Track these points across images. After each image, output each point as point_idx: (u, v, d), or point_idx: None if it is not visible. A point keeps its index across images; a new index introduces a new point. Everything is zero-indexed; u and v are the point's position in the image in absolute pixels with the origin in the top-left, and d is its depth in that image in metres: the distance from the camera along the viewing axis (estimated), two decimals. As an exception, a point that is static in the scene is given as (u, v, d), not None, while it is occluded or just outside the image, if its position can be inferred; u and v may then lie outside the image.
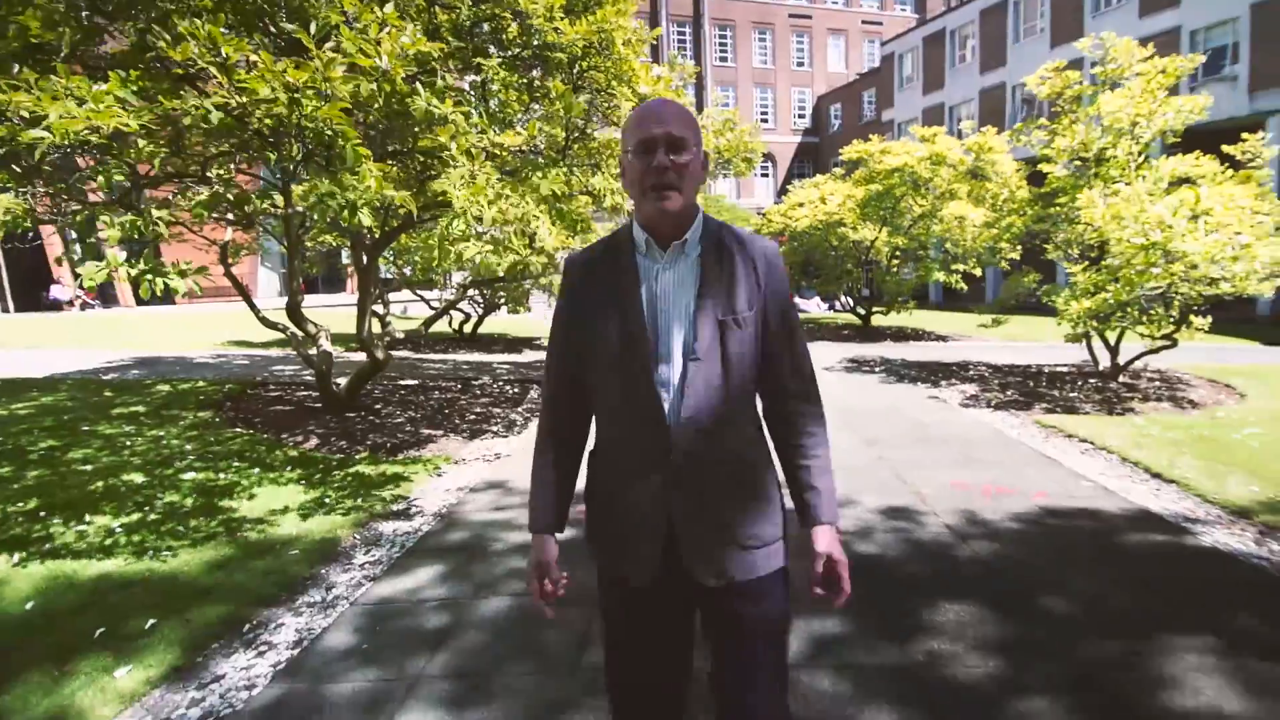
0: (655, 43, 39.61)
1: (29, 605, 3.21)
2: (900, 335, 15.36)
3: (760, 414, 1.48)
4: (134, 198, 3.94)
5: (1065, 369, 9.22)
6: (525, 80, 4.51)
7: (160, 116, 3.30)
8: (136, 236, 3.76)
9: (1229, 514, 3.99)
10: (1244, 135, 7.13)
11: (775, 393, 1.44)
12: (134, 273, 3.67)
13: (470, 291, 12.92)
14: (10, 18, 3.33)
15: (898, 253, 14.17)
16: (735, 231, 1.44)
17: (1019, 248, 10.97)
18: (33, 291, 24.64)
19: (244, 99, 3.13)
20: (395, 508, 4.52)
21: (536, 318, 22.61)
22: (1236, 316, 20.50)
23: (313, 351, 6.96)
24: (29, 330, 16.63)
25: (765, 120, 43.40)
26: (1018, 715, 2.24)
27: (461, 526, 4.19)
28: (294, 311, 6.80)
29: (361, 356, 7.96)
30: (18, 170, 3.71)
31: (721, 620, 1.40)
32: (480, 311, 14.94)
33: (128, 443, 6.05)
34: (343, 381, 7.42)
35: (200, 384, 8.98)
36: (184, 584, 3.40)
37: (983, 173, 11.97)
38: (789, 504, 1.46)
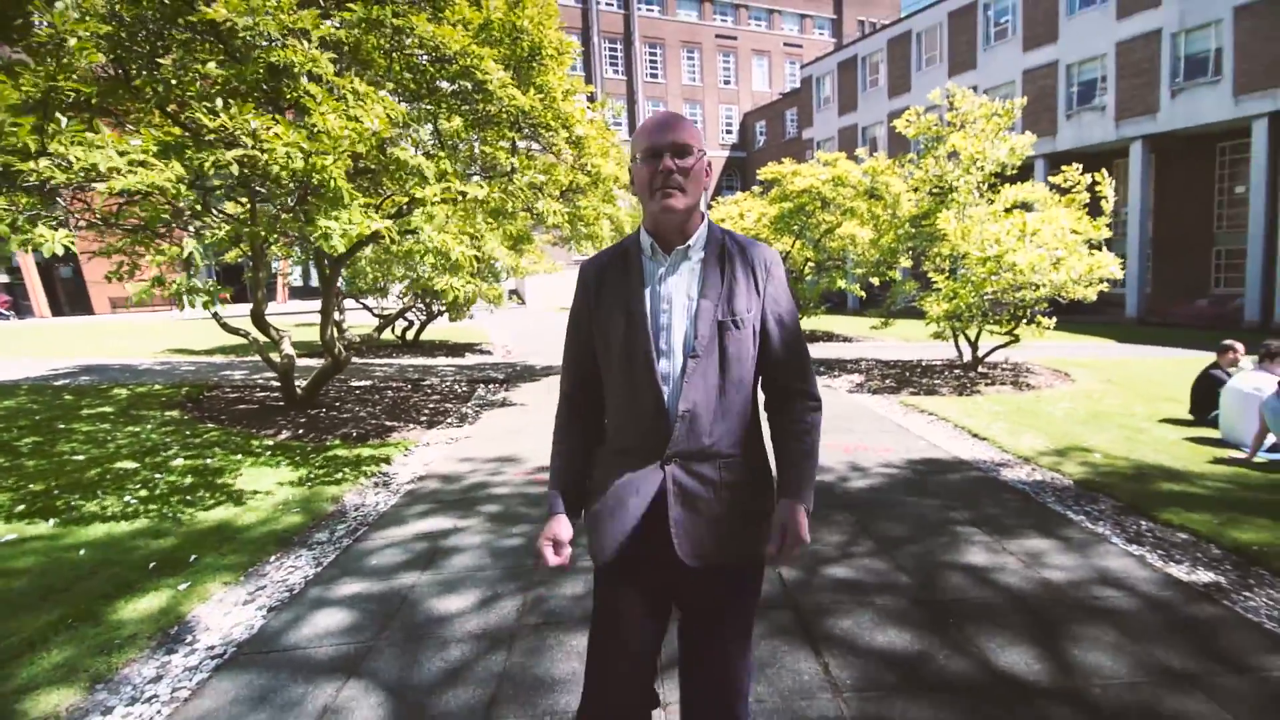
0: (583, 56, 40.37)
1: (81, 552, 3.98)
2: (812, 337, 16.96)
3: (758, 410, 1.56)
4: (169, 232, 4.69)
5: (939, 362, 10.82)
6: (481, 135, 5.51)
7: (190, 168, 4.15)
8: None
9: (1016, 458, 5.41)
10: (1063, 168, 8.73)
11: (777, 388, 1.54)
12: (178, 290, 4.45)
13: (406, 300, 13.68)
14: (60, 80, 4.11)
15: (809, 263, 15.72)
16: (738, 238, 1.53)
17: (910, 259, 12.58)
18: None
19: (265, 155, 4.02)
20: (375, 480, 5.40)
21: (476, 324, 23.28)
22: (1108, 319, 23.27)
23: (275, 356, 7.68)
24: (-52, 341, 16.20)
25: (694, 135, 45.19)
26: (860, 567, 3.46)
27: (437, 482, 5.13)
28: (258, 319, 7.51)
29: (310, 361, 8.68)
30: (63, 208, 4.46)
31: (697, 599, 1.51)
32: (422, 319, 15.62)
33: (109, 437, 6.64)
34: (302, 382, 8.15)
35: (156, 387, 9.46)
36: (209, 533, 4.22)
37: (878, 193, 13.59)
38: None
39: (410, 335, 15.74)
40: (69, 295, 27.37)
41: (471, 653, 2.79)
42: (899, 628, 2.87)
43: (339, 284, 8.25)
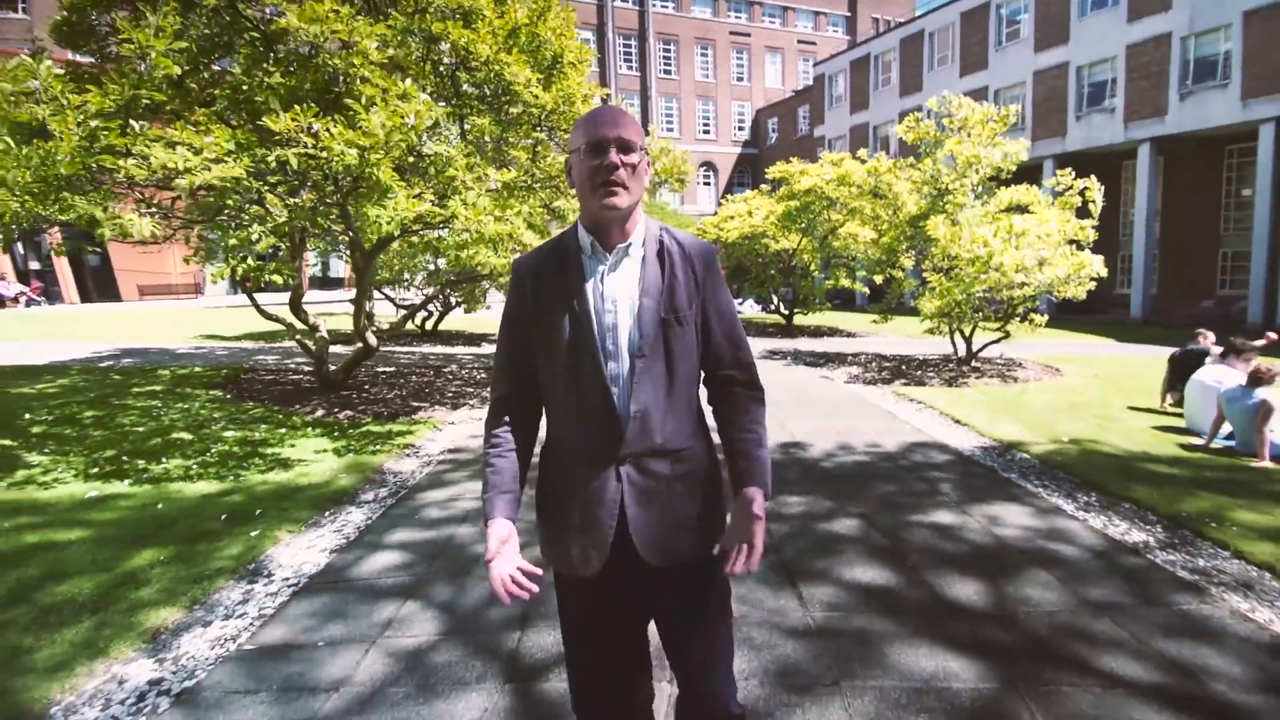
0: (598, 51, 40.74)
1: (160, 506, 4.56)
2: (817, 332, 17.44)
3: (704, 403, 1.56)
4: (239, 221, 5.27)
5: (935, 357, 11.29)
6: (505, 135, 6.07)
7: (255, 161, 4.72)
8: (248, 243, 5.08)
9: (991, 441, 5.91)
10: (1058, 173, 9.13)
11: (720, 380, 1.54)
12: (243, 269, 5.04)
13: (430, 290, 14.28)
14: (142, 90, 4.68)
15: (815, 260, 16.18)
16: (675, 234, 1.51)
17: (911, 258, 13.03)
18: (-27, 288, 24.39)
19: (322, 152, 4.57)
20: (409, 452, 5.97)
21: (492, 315, 23.87)
22: (1114, 319, 23.58)
23: (309, 342, 8.27)
24: (-10, 325, 16.95)
25: (707, 132, 45.58)
26: (840, 524, 4.00)
27: (465, 454, 5.69)
28: (296, 306, 8.10)
29: (337, 348, 9.26)
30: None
31: (670, 599, 1.51)
32: (441, 310, 16.21)
33: (161, 412, 7.25)
34: (331, 366, 8.72)
35: (196, 370, 10.08)
36: (269, 493, 4.79)
37: (881, 192, 14.02)
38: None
39: (430, 325, 16.34)
40: (96, 282, 28.20)
41: (506, 583, 3.34)
42: (866, 568, 3.40)
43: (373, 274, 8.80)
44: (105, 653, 2.79)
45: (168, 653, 2.82)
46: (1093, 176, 8.80)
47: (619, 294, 1.43)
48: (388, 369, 10.64)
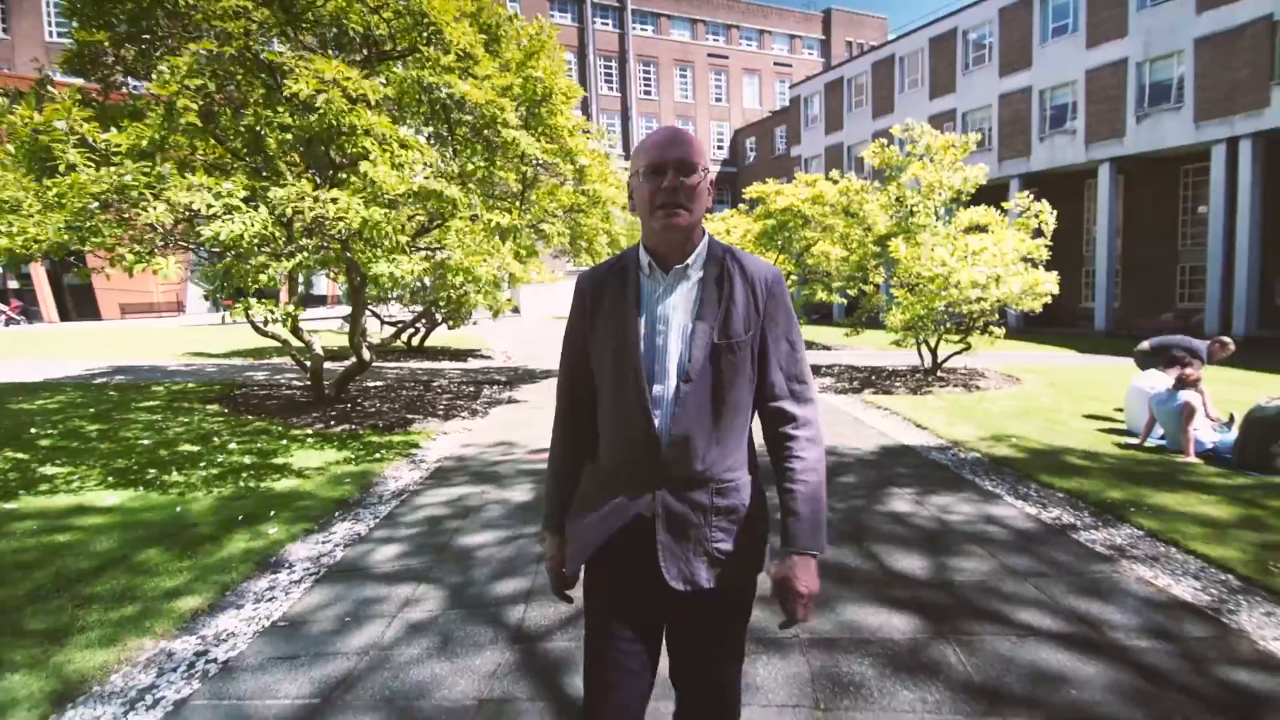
0: (579, 73, 41.37)
1: (178, 509, 4.89)
2: (795, 346, 18.01)
3: (753, 435, 1.52)
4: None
5: (904, 368, 11.88)
6: (494, 160, 6.57)
7: (273, 213, 5.12)
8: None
9: (948, 442, 6.43)
10: (1017, 195, 9.79)
11: (772, 413, 1.48)
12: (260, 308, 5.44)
13: (418, 308, 14.65)
14: (169, 136, 5.08)
15: (791, 276, 16.80)
16: (739, 256, 1.47)
17: (881, 275, 13.66)
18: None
19: (327, 210, 4.99)
20: (408, 460, 6.34)
21: (475, 332, 24.20)
22: (1079, 332, 24.49)
23: (305, 359, 8.63)
24: (-27, 345, 16.98)
25: (686, 151, 46.50)
26: None
27: (460, 461, 6.08)
28: (293, 326, 8.45)
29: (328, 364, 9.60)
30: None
31: (686, 623, 1.49)
32: (427, 326, 16.55)
33: (165, 426, 7.54)
34: (325, 381, 9.06)
35: (190, 385, 10.35)
36: (279, 498, 5.13)
37: (853, 211, 14.68)
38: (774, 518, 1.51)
39: (415, 341, 16.66)
40: (75, 301, 28.13)
41: (509, 568, 3.74)
42: (827, 547, 3.84)
43: (337, 293, 9.19)
44: (151, 631, 3.14)
45: (207, 630, 3.18)
46: (1044, 201, 9.45)
47: (672, 316, 1.43)
48: (378, 383, 10.97)
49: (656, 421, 1.40)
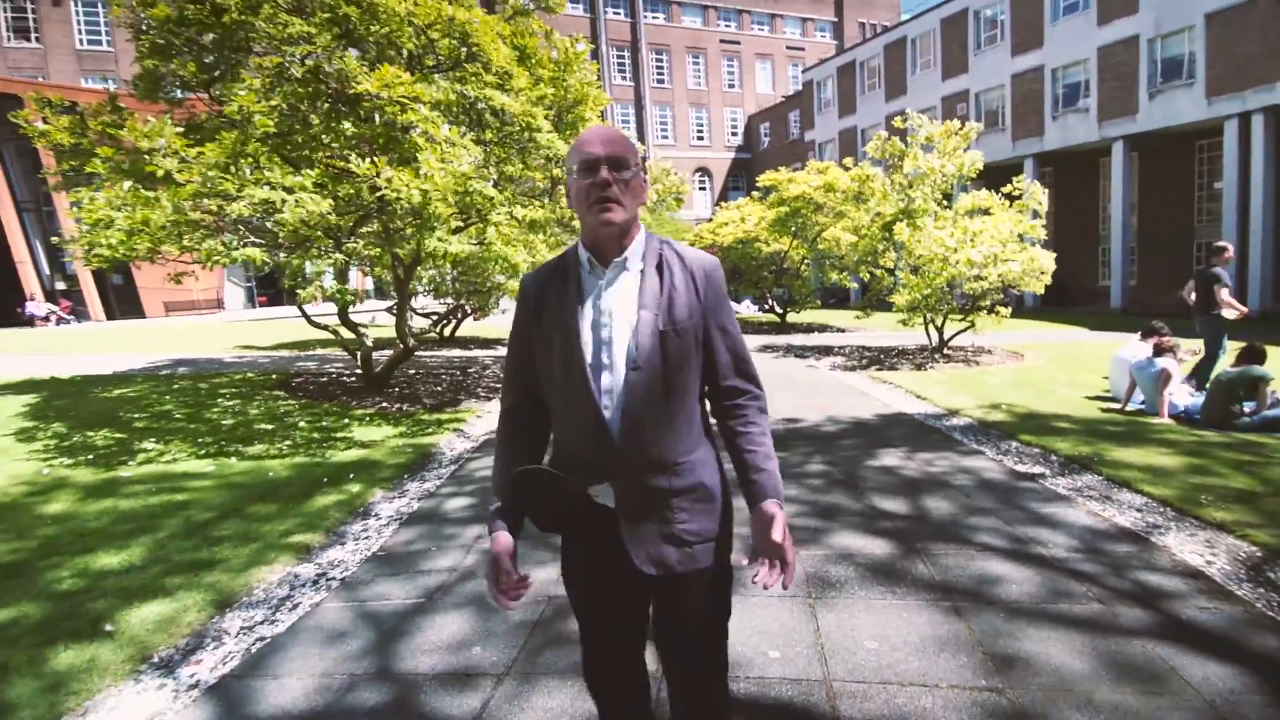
0: (609, 98, 42.33)
1: (270, 474, 5.71)
2: (809, 329, 18.64)
3: (705, 415, 1.59)
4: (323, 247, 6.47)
5: (912, 347, 12.48)
6: (527, 160, 7.29)
7: (338, 201, 5.89)
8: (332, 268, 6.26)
9: (944, 410, 7.09)
10: (1014, 179, 10.32)
11: (724, 391, 1.55)
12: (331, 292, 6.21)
13: (448, 299, 15.51)
14: (247, 145, 5.86)
15: (806, 261, 17.39)
16: (675, 247, 1.55)
17: (891, 259, 14.21)
18: (6, 309, 25.65)
19: (390, 191, 5.75)
20: (459, 434, 7.13)
21: (499, 322, 25.03)
22: (1095, 310, 24.72)
23: (357, 349, 9.46)
24: (35, 341, 18.14)
25: (701, 138, 46.85)
26: (808, 466, 5.11)
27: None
28: (344, 315, 9.28)
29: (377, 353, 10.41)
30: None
31: (665, 611, 1.58)
32: (458, 317, 17.41)
33: (241, 408, 8.41)
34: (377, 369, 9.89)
35: (249, 375, 11.25)
36: (353, 464, 5.92)
37: (864, 197, 15.21)
38: (738, 504, 1.58)
39: (448, 331, 17.53)
40: (120, 300, 29.43)
41: (558, 512, 4.49)
42: (825, 494, 4.55)
43: (368, 287, 9.99)
44: (275, 561, 3.93)
45: (321, 559, 3.97)
46: (1036, 183, 9.96)
47: (616, 307, 1.47)
48: (419, 370, 11.81)
49: (607, 413, 1.45)
